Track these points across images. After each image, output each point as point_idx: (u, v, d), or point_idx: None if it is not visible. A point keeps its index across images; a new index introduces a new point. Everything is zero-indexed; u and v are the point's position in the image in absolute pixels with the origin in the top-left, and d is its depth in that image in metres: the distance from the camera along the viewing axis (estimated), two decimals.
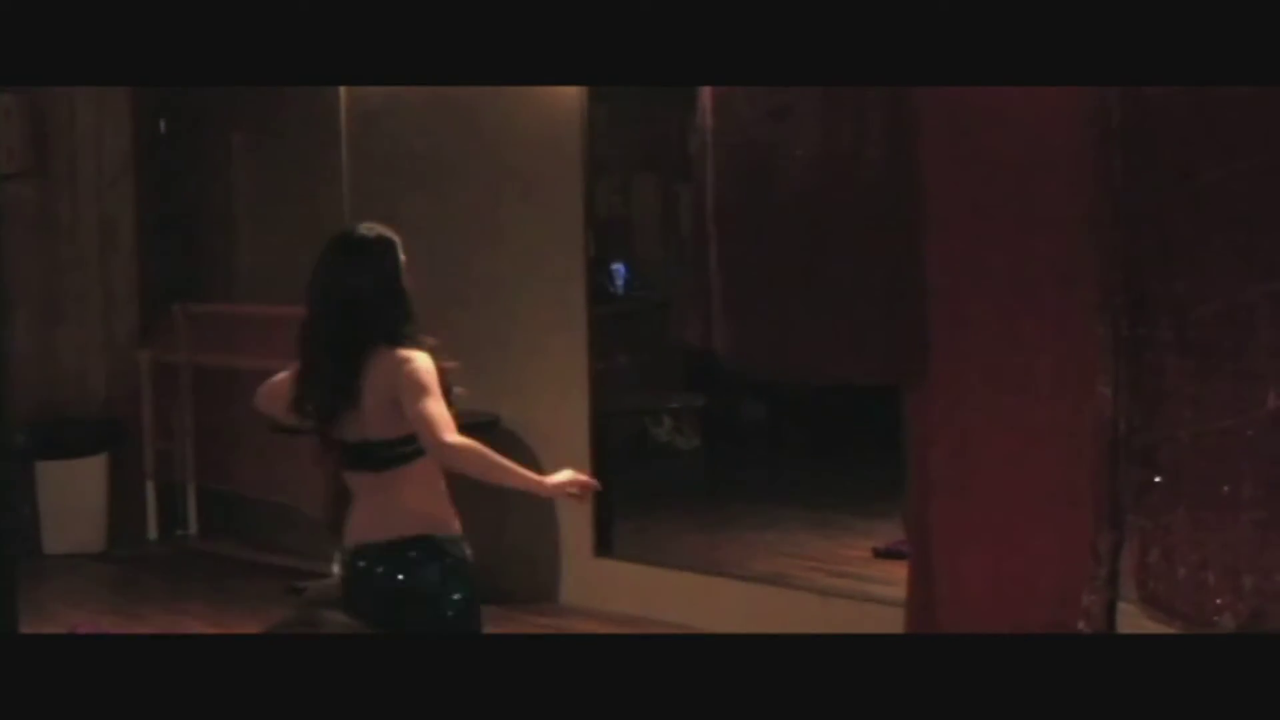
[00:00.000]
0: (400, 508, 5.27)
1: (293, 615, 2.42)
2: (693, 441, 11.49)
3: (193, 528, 10.89)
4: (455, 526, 5.45)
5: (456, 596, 5.34)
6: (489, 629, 8.13)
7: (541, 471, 8.70)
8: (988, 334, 6.81)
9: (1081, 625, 6.63)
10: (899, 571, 7.42)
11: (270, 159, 10.64)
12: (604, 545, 8.70)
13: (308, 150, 10.16)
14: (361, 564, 5.33)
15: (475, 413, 8.66)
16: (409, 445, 5.20)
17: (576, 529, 8.67)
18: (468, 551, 5.48)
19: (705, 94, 7.16)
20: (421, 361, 5.17)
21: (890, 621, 7.07)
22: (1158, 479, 6.38)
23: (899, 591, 7.19)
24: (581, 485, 5.52)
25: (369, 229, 5.42)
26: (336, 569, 9.47)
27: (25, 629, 6.84)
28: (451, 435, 5.11)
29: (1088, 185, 6.56)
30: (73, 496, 10.52)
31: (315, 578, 9.48)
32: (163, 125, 11.14)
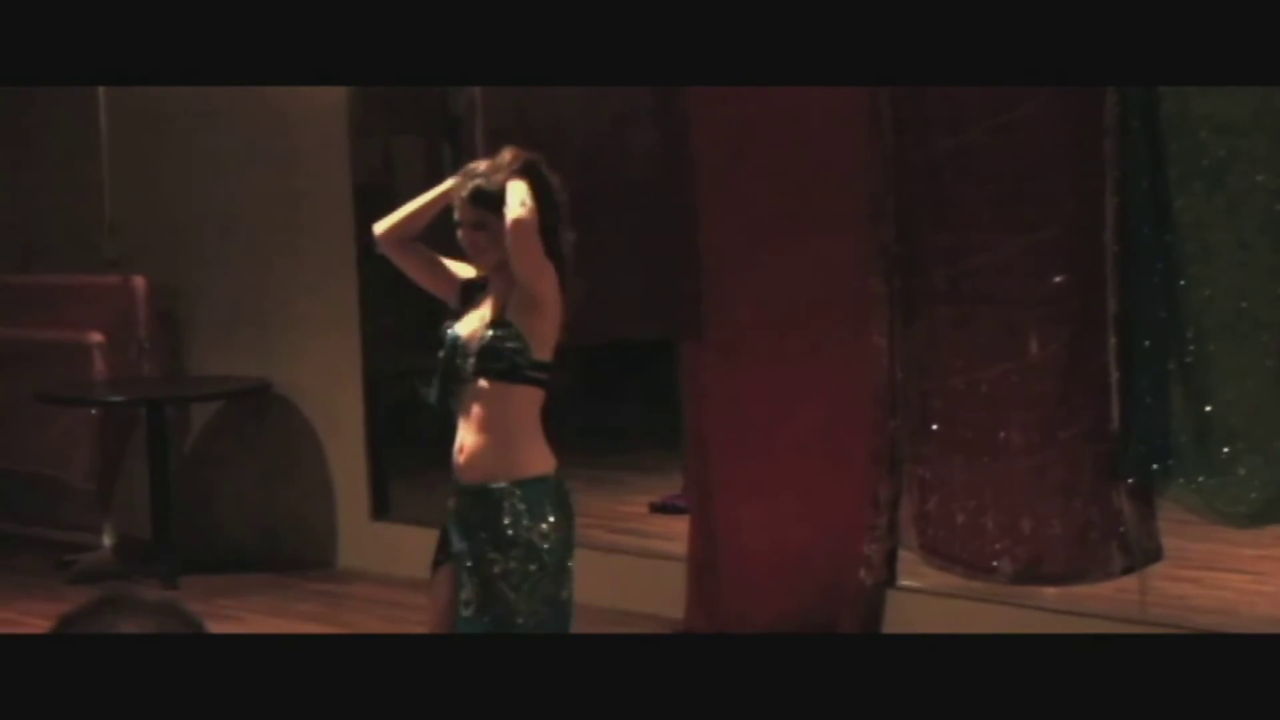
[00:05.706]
0: None
1: (100, 594, 2.31)
2: None
3: None
4: None
5: None
6: (268, 596, 8.09)
7: (316, 437, 8.71)
8: (762, 290, 6.87)
9: (862, 574, 6.73)
10: (676, 526, 7.47)
11: (26, 127, 10.34)
12: (381, 508, 8.62)
13: (65, 122, 9.85)
14: None
15: (245, 378, 8.54)
16: None
17: (353, 492, 8.58)
18: None
19: None
20: None
21: (673, 575, 7.12)
22: (934, 427, 6.49)
23: (679, 546, 7.24)
24: None
25: None
26: (107, 540, 9.32)
27: None
28: None
29: (859, 144, 6.65)
30: None
31: (85, 550, 9.28)
32: None
